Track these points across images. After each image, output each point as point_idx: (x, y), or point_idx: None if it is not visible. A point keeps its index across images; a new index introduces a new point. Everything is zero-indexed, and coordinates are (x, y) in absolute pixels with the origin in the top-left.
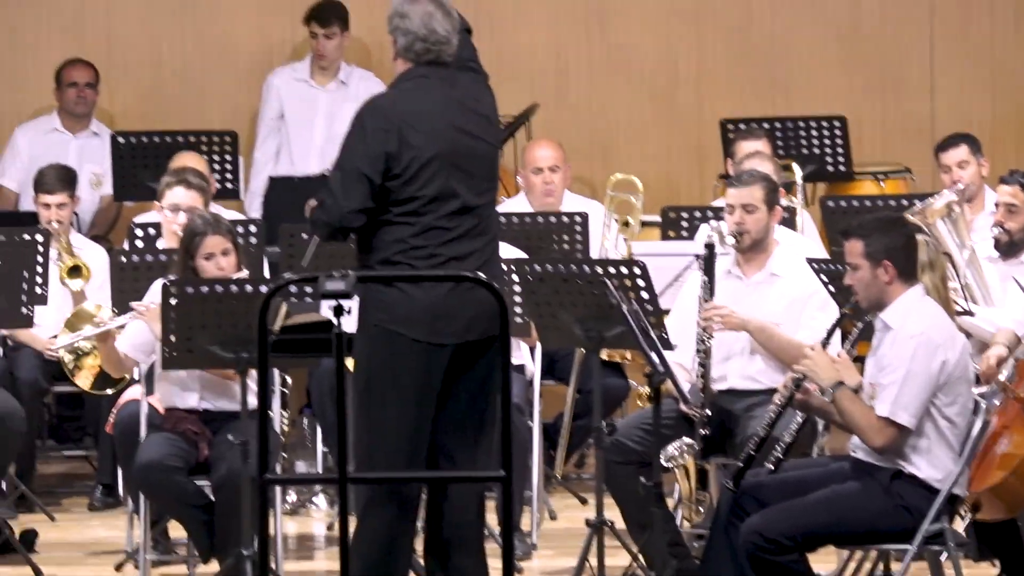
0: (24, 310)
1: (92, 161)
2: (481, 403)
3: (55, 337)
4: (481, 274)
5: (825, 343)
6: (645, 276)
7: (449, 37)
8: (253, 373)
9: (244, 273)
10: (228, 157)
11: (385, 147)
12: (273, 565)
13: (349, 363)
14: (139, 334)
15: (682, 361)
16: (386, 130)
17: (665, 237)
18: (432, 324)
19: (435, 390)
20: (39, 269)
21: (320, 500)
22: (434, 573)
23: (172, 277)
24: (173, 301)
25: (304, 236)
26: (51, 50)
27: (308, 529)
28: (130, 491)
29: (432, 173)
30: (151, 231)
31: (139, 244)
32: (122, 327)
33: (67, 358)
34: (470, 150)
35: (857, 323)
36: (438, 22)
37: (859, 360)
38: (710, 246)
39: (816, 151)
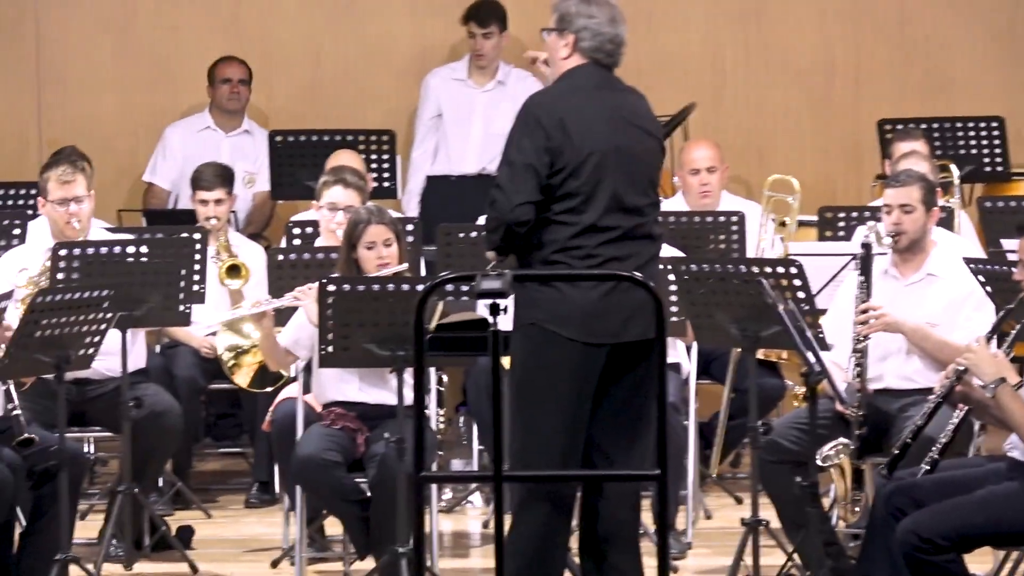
0: (182, 308)
1: (245, 159)
2: (637, 403)
3: (213, 335)
4: (637, 274)
5: (989, 338)
6: (801, 276)
7: (625, 41)
8: (410, 371)
9: (406, 266)
10: (385, 156)
11: (548, 142)
12: (428, 563)
13: (505, 362)
14: (301, 328)
15: (838, 360)
16: (550, 126)
17: (822, 237)
18: (588, 324)
19: (590, 390)
20: (197, 267)
21: (476, 498)
22: (589, 573)
23: (331, 275)
24: (331, 299)
25: (460, 236)
26: (209, 50)
27: (463, 527)
28: (286, 488)
29: (592, 170)
30: (308, 229)
31: (296, 242)
32: (277, 310)
33: (226, 356)
34: (632, 151)
35: (1016, 323)
36: (620, 26)
37: (1015, 360)
38: (867, 246)
39: (973, 151)
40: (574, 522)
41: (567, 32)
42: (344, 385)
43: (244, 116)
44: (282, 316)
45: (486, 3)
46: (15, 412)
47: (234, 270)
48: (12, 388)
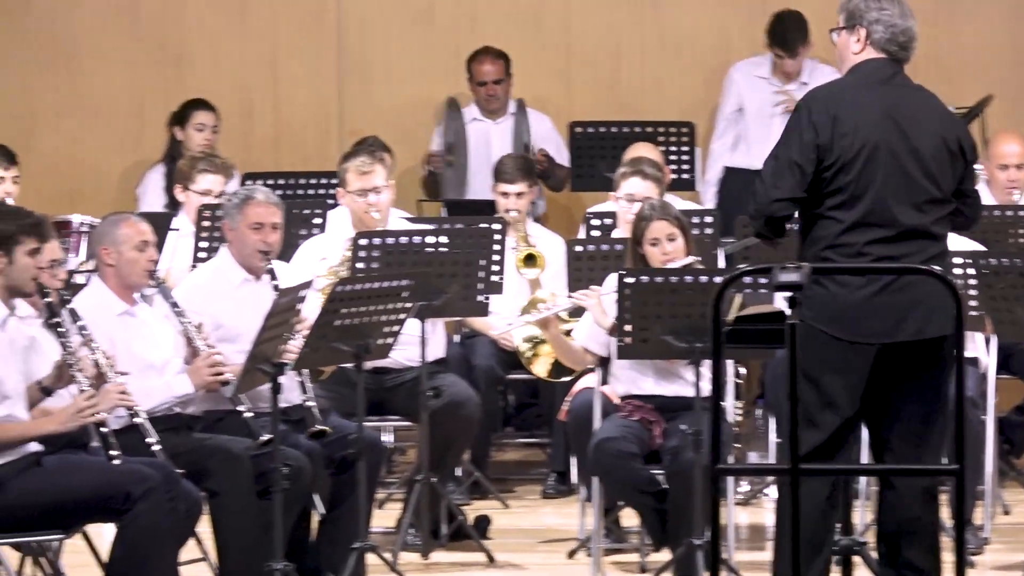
0: (480, 298)
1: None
2: (925, 402)
3: (509, 326)
4: (936, 268)
5: None
6: None
7: (916, 36)
8: (707, 363)
9: (692, 259)
10: (684, 148)
11: (818, 139)
12: (724, 555)
13: None
14: (594, 325)
15: None
16: (820, 122)
17: None
18: (855, 323)
19: (858, 388)
20: (496, 258)
21: (772, 491)
22: (885, 567)
23: (626, 268)
24: (628, 291)
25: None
26: (509, 41)
27: (760, 519)
28: (583, 479)
29: (863, 166)
30: (606, 220)
31: (595, 234)
32: (563, 312)
33: (524, 347)
34: (909, 147)
35: None
36: (910, 19)
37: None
38: None
39: None
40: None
41: (858, 27)
42: (640, 378)
43: (508, 103)
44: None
45: (790, 28)
46: (309, 403)
47: (531, 259)
48: (307, 379)
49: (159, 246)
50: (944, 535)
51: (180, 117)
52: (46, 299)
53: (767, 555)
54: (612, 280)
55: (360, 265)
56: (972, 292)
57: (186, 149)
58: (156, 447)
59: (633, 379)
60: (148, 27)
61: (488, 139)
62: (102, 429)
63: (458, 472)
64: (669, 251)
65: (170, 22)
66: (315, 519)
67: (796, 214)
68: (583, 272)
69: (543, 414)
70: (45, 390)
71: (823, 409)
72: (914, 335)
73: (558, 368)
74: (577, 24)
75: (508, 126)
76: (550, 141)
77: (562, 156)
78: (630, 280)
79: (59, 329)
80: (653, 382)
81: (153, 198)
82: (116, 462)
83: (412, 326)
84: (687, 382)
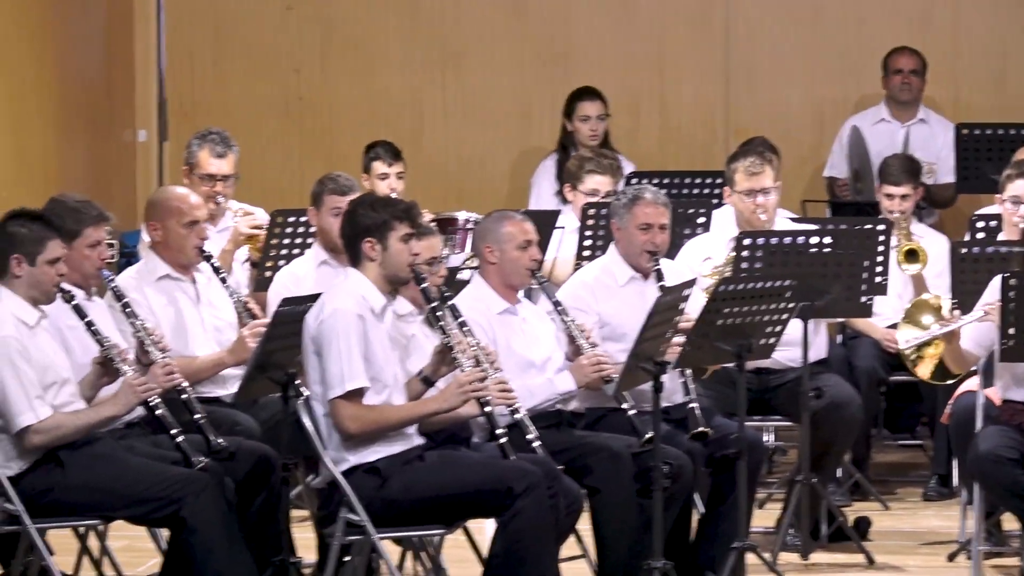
0: (863, 299)
1: (921, 150)
2: None
3: (893, 327)
4: None
5: None
6: None
7: None
8: None
9: None
10: None
11: None
12: None
13: None
14: (979, 327)
15: None
16: None
17: None
18: None
19: None
20: (879, 259)
21: None
22: None
23: (1012, 271)
24: (1011, 293)
25: None
26: (896, 41)
27: None
28: (964, 482)
29: None
30: (992, 223)
31: (980, 236)
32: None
33: (908, 349)
34: None
35: None
36: None
37: None
38: None
39: None
40: None
41: None
42: (1021, 388)
43: (919, 106)
44: None
45: None
46: (691, 405)
47: (912, 254)
48: (690, 379)
49: (543, 244)
50: None
51: (568, 108)
52: (422, 286)
53: None
54: (996, 283)
55: (744, 265)
56: None
57: (577, 140)
58: (536, 443)
59: (1015, 382)
60: (535, 26)
61: (894, 140)
62: (485, 410)
63: (838, 473)
64: None
65: (557, 22)
66: (695, 518)
67: None
68: (967, 275)
69: (922, 415)
70: (426, 380)
71: None
72: None
73: (941, 371)
74: (964, 24)
75: (915, 131)
76: (943, 155)
77: (948, 168)
78: (1014, 283)
79: (437, 314)
80: None
81: (545, 187)
82: (511, 456)
83: (794, 326)
84: None
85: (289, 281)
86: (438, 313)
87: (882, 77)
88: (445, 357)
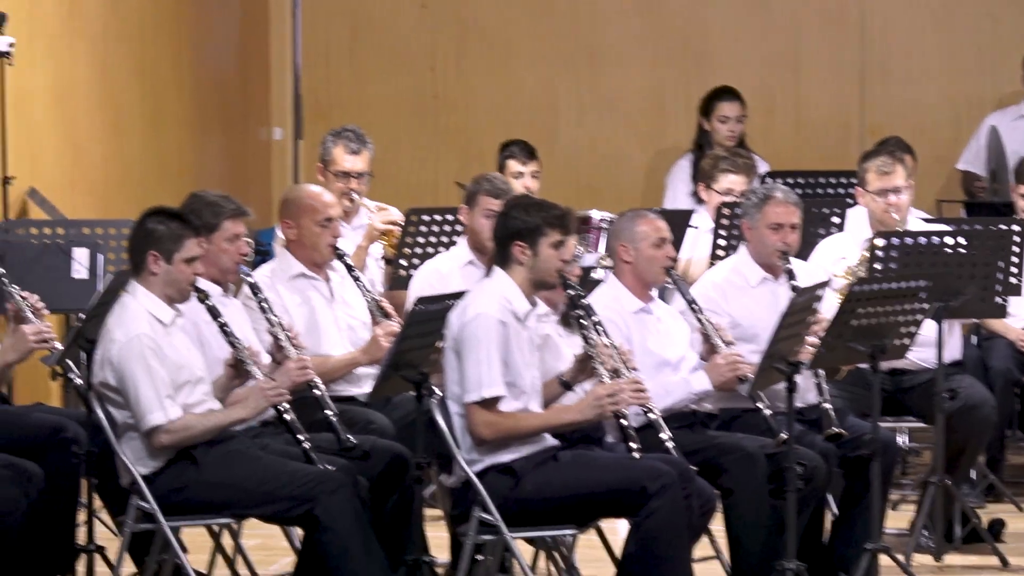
0: (997, 300)
1: None
2: None
3: None
4: None
5: None
6: None
7: None
8: None
9: None
10: None
11: None
12: None
13: None
14: None
15: None
16: None
17: None
18: None
19: None
20: (1014, 260)
21: None
22: None
23: None
24: None
25: None
26: None
27: None
28: None
29: None
30: None
31: None
32: None
33: None
34: None
35: None
36: None
37: None
38: None
39: None
40: None
41: None
42: None
43: None
44: None
45: None
46: (825, 405)
47: None
48: (823, 380)
49: (676, 243)
50: None
51: (705, 107)
52: (569, 290)
53: None
54: None
55: (878, 266)
56: None
57: (713, 140)
58: (670, 443)
59: None
60: (670, 24)
61: None
62: (622, 422)
63: (972, 475)
64: None
65: (693, 19)
66: (828, 519)
67: None
68: None
69: None
70: (566, 384)
71: None
72: None
73: None
74: None
75: None
76: None
77: None
78: None
79: (581, 322)
80: None
81: (680, 187)
82: (636, 455)
83: (928, 327)
84: None
85: (432, 277)
86: (582, 321)
87: (1021, 76)
88: (586, 366)
